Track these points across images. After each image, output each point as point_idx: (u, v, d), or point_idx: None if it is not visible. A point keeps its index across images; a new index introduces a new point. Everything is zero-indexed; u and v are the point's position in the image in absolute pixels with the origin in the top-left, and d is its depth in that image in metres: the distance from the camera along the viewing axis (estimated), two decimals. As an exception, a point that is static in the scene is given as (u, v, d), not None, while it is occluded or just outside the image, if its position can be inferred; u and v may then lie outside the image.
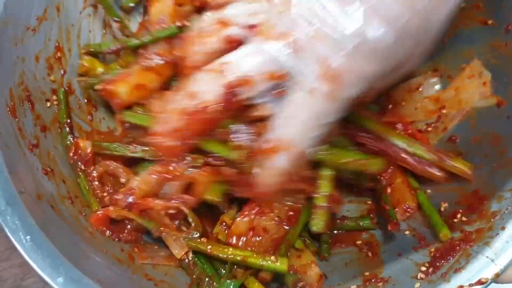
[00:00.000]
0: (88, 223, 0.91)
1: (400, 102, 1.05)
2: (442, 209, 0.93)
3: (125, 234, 0.92)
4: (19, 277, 1.05)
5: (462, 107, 1.01)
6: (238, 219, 0.87)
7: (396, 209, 0.93)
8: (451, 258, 0.81)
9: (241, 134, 0.81)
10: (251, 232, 0.86)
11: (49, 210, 0.85)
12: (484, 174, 0.91)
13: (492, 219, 0.82)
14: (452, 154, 0.94)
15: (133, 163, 0.97)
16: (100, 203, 0.93)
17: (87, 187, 0.95)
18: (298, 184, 0.85)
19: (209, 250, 0.86)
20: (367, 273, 0.89)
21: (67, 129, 0.98)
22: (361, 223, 0.98)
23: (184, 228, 0.91)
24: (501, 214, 0.81)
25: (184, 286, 0.89)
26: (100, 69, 1.04)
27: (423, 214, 0.93)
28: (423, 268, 0.83)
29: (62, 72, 1.03)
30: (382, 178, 0.94)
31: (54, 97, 0.99)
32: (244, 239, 0.86)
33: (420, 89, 1.06)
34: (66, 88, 1.02)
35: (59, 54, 1.02)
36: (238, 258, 0.83)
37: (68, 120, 0.99)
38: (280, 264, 0.83)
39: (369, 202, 1.02)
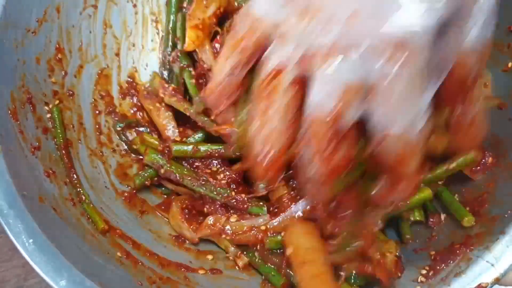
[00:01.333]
0: (90, 225, 0.91)
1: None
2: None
3: None
4: (21, 277, 1.06)
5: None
6: None
7: None
8: (452, 262, 0.81)
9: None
10: None
11: (51, 213, 0.86)
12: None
13: (492, 223, 0.82)
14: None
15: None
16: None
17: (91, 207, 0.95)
18: None
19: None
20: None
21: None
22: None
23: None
24: (501, 218, 0.82)
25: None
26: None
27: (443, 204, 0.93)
28: (424, 272, 0.83)
29: (63, 74, 1.02)
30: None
31: (56, 102, 1.00)
32: None
33: None
34: (68, 92, 1.02)
35: (59, 56, 1.02)
36: None
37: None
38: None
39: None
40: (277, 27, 0.73)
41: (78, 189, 0.95)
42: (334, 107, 0.67)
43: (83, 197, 0.94)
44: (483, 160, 0.91)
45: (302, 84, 0.72)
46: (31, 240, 0.78)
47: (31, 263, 0.77)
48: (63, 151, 0.96)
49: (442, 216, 0.93)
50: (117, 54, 1.14)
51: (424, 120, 0.66)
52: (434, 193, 0.93)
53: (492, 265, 0.76)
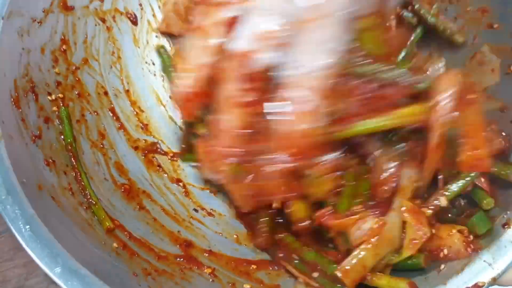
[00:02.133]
0: (87, 215, 0.91)
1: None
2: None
3: None
4: (23, 277, 1.06)
5: None
6: None
7: None
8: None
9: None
10: None
11: (49, 201, 0.86)
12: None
13: (492, 223, 0.82)
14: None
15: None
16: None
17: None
18: None
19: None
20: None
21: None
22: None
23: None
24: (500, 218, 0.81)
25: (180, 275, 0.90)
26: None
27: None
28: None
29: (67, 65, 1.03)
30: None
31: (60, 95, 1.00)
32: None
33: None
34: (72, 83, 1.03)
35: (64, 47, 1.03)
36: None
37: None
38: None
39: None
40: None
41: (87, 192, 0.95)
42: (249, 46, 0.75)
43: (90, 198, 0.94)
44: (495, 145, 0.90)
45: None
46: (27, 227, 0.79)
47: (27, 249, 0.77)
48: (71, 153, 0.97)
49: (462, 202, 0.92)
50: (119, 49, 1.15)
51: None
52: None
53: (490, 264, 0.76)
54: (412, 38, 1.05)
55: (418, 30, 1.05)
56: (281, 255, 0.96)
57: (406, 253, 0.84)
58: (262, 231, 0.97)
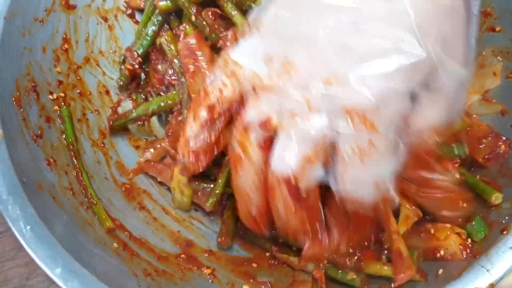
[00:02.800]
0: (88, 215, 0.92)
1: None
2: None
3: None
4: (24, 276, 1.06)
5: (471, 95, 1.00)
6: None
7: None
8: None
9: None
10: None
11: (50, 201, 0.86)
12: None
13: (490, 229, 0.82)
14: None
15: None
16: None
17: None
18: None
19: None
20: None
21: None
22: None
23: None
24: (498, 224, 0.81)
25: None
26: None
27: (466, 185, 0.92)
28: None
29: (69, 64, 1.03)
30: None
31: (61, 94, 1.00)
32: None
33: None
34: (73, 83, 1.03)
35: (66, 46, 1.03)
36: None
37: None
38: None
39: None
40: (254, 79, 0.73)
41: (88, 191, 0.95)
42: (298, 164, 0.70)
43: (91, 197, 0.95)
44: (496, 149, 0.91)
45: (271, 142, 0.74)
46: (28, 227, 0.79)
47: (27, 249, 0.78)
48: (73, 152, 0.97)
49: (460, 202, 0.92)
50: (121, 48, 1.15)
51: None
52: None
53: (488, 270, 0.76)
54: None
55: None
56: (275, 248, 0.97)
57: (402, 229, 0.87)
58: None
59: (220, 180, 0.96)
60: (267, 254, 0.98)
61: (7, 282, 1.06)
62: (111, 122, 1.06)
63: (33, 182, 0.85)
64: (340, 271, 0.88)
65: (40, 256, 0.77)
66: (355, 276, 0.85)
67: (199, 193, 1.02)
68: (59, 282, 0.76)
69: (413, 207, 0.88)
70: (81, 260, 0.80)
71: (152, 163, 1.06)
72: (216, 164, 0.95)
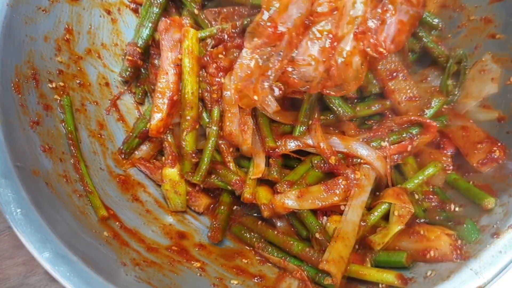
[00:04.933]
0: (81, 202, 0.92)
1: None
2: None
3: None
4: (22, 275, 1.06)
5: (469, 101, 1.00)
6: None
7: None
8: None
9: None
10: None
11: (43, 187, 0.87)
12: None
13: (481, 232, 0.81)
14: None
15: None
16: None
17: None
18: None
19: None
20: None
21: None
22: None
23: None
24: (490, 228, 0.81)
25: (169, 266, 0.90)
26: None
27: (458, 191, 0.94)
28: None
29: (70, 54, 1.04)
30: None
31: (61, 83, 1.01)
32: None
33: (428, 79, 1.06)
34: (73, 73, 1.04)
35: (68, 36, 1.04)
36: None
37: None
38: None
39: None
40: None
41: (85, 180, 0.96)
42: None
43: (88, 186, 0.95)
44: (491, 154, 0.91)
45: None
46: (19, 210, 0.79)
47: (17, 232, 0.78)
48: (71, 141, 0.98)
49: (452, 206, 0.92)
50: (123, 42, 1.15)
51: None
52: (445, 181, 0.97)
53: (476, 273, 0.75)
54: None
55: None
56: (260, 245, 0.98)
57: (395, 227, 0.88)
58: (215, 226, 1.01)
59: (205, 156, 0.99)
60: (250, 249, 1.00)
61: (6, 281, 1.06)
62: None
63: (27, 167, 0.86)
64: (319, 274, 0.89)
65: (29, 239, 0.78)
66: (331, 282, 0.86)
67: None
68: (46, 266, 0.76)
69: (405, 205, 0.88)
70: (70, 246, 0.80)
71: (144, 161, 1.07)
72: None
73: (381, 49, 0.82)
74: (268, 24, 0.78)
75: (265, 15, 0.79)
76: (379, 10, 0.82)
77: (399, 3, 0.80)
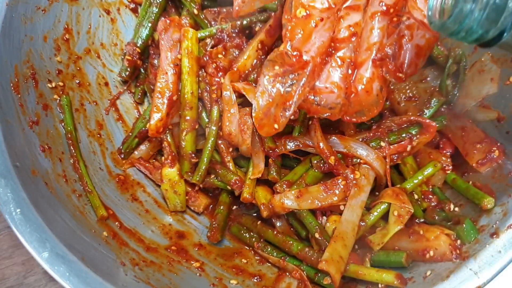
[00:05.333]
0: (80, 202, 0.92)
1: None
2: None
3: None
4: (21, 275, 1.06)
5: (468, 101, 1.00)
6: None
7: None
8: None
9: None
10: None
11: (42, 186, 0.87)
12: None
13: (480, 232, 0.82)
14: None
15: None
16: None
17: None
18: None
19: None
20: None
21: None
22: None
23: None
24: (489, 228, 0.81)
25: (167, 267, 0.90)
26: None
27: (457, 191, 0.95)
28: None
29: (69, 54, 1.04)
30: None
31: (60, 83, 1.01)
32: None
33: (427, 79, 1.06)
34: (72, 73, 1.04)
35: (67, 36, 1.04)
36: None
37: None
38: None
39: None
40: None
41: (84, 180, 0.96)
42: None
43: (87, 186, 0.95)
44: (490, 154, 0.91)
45: None
46: (18, 210, 0.79)
47: (16, 232, 0.78)
48: (71, 141, 0.98)
49: (451, 206, 0.93)
50: (122, 42, 1.15)
51: None
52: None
53: (475, 273, 0.75)
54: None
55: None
56: (259, 245, 0.98)
57: (394, 227, 0.88)
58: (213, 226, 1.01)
59: (204, 156, 0.99)
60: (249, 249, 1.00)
61: (5, 281, 1.06)
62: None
63: (26, 167, 0.86)
64: (318, 274, 0.89)
65: (28, 239, 0.78)
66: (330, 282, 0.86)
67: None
68: (45, 265, 0.76)
69: (404, 205, 0.88)
70: (69, 246, 0.80)
71: (143, 161, 1.07)
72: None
73: (400, 75, 0.83)
74: (295, 53, 0.78)
75: (289, 44, 0.78)
76: (396, 36, 0.82)
77: (415, 28, 0.80)
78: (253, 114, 0.81)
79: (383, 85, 0.85)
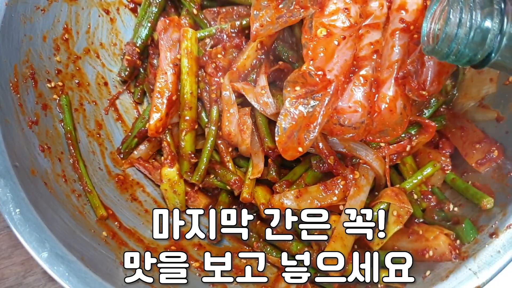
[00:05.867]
0: (79, 202, 0.92)
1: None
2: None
3: None
4: (20, 275, 1.06)
5: (467, 101, 1.00)
6: None
7: None
8: None
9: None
10: None
11: (41, 186, 0.87)
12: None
13: (479, 232, 0.82)
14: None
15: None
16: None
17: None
18: None
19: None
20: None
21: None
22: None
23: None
24: (488, 228, 0.81)
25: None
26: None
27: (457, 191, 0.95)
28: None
29: (69, 54, 1.04)
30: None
31: (59, 83, 1.01)
32: None
33: None
34: (72, 73, 1.04)
35: (66, 36, 1.03)
36: None
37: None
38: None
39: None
40: None
41: (84, 180, 0.96)
42: None
43: (86, 185, 0.95)
44: (490, 154, 0.91)
45: None
46: (17, 210, 0.79)
47: (15, 232, 0.78)
48: (70, 141, 0.98)
49: (451, 206, 0.93)
50: (122, 41, 1.15)
51: None
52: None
53: (475, 273, 0.76)
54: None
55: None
56: (258, 244, 0.99)
57: (394, 227, 0.88)
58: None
59: (204, 156, 0.99)
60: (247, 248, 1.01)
61: (4, 281, 1.06)
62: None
63: (26, 167, 0.86)
64: (318, 274, 0.89)
65: (27, 239, 0.78)
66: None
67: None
68: (44, 265, 0.76)
69: (403, 205, 0.89)
70: (68, 246, 0.80)
71: (143, 161, 1.07)
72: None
73: (423, 92, 0.82)
74: (318, 72, 0.77)
75: (312, 64, 0.77)
76: (418, 53, 0.81)
77: None
78: (276, 138, 0.80)
79: (407, 103, 0.84)
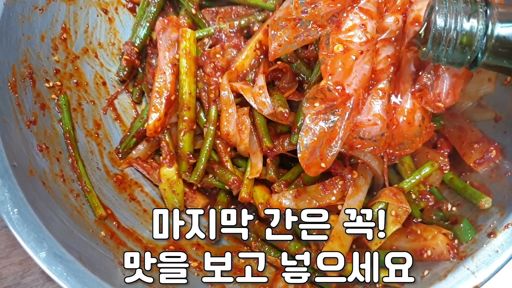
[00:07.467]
0: (77, 202, 0.92)
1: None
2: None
3: None
4: (18, 274, 1.06)
5: (465, 101, 1.00)
6: None
7: None
8: None
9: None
10: None
11: (39, 186, 0.87)
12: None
13: (477, 232, 0.82)
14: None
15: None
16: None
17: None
18: None
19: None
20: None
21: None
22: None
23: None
24: (486, 227, 0.81)
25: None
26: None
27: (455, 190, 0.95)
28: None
29: (67, 53, 1.04)
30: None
31: (58, 83, 1.01)
32: None
33: None
34: (70, 72, 1.04)
35: (65, 36, 1.03)
36: None
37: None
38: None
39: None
40: None
41: (82, 179, 0.96)
42: None
43: (86, 186, 0.95)
44: (488, 154, 0.91)
45: None
46: (15, 210, 0.79)
47: (13, 232, 0.78)
48: (69, 141, 0.98)
49: (449, 206, 0.93)
50: (120, 41, 1.15)
51: None
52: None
53: (473, 273, 0.76)
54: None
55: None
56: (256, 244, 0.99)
57: (392, 227, 0.88)
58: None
59: (202, 156, 0.99)
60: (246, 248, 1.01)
61: (2, 281, 1.06)
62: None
63: (24, 167, 0.85)
64: (316, 274, 0.89)
65: (25, 239, 0.78)
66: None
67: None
68: (43, 265, 0.76)
69: (401, 204, 0.89)
70: (67, 246, 0.80)
71: (141, 161, 1.06)
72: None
73: (439, 104, 0.83)
74: (338, 87, 0.77)
75: (330, 79, 0.77)
76: (433, 65, 0.82)
77: None
78: (299, 155, 0.79)
79: (425, 115, 0.84)
